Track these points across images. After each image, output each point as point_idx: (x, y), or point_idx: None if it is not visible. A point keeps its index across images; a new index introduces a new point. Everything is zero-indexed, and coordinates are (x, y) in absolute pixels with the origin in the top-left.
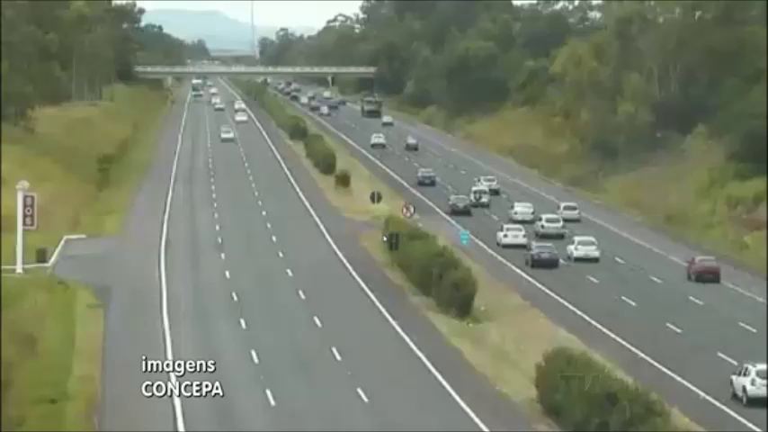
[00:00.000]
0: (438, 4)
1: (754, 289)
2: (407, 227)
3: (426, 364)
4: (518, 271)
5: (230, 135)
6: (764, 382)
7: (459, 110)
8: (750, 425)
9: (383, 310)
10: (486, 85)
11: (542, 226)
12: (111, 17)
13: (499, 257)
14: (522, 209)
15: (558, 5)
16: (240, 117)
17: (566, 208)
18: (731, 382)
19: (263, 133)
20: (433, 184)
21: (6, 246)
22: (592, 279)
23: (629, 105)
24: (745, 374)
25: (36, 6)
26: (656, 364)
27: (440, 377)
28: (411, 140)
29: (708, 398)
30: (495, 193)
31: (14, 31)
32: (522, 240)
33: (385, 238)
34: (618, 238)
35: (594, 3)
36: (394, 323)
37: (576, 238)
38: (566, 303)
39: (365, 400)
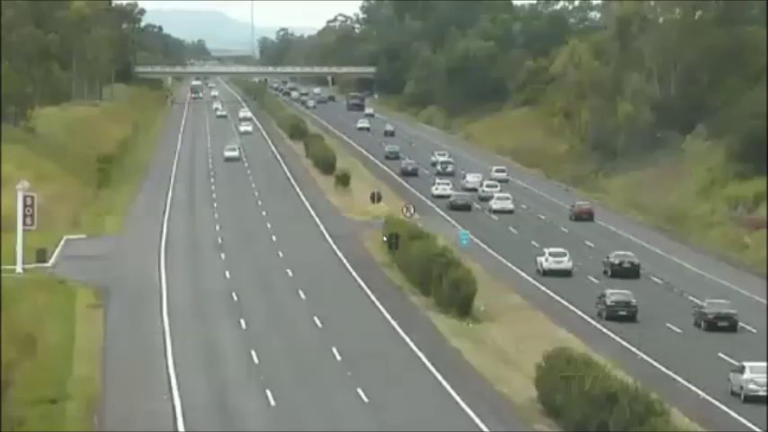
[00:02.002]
0: (438, 4)
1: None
2: (407, 227)
3: (426, 364)
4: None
5: (235, 153)
6: (556, 260)
7: (459, 110)
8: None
9: (383, 309)
10: (486, 85)
11: (483, 190)
12: (110, 17)
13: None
14: (472, 178)
15: (558, 5)
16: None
17: (497, 171)
18: (535, 260)
19: (264, 133)
20: (397, 157)
21: (6, 246)
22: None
23: (629, 105)
24: (543, 257)
25: (36, 6)
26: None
27: (440, 377)
28: (389, 127)
29: (707, 397)
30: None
31: (14, 31)
32: (449, 192)
33: (385, 238)
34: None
35: (594, 3)
36: (394, 323)
37: (496, 195)
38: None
39: (365, 400)
